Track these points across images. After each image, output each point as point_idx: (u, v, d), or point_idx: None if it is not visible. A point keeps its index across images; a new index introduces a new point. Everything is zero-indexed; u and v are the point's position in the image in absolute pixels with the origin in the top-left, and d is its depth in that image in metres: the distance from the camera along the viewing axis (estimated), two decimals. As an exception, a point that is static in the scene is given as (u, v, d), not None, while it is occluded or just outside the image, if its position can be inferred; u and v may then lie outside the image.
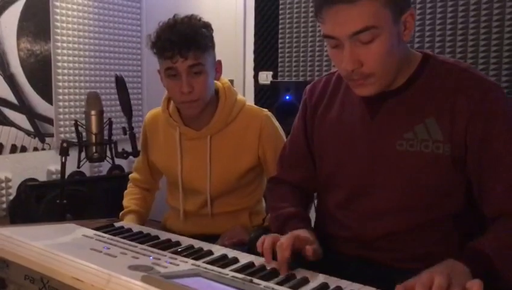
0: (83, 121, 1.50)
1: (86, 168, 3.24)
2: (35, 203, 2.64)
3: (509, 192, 1.05)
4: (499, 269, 0.97)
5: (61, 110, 3.31)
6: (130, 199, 1.74)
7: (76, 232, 1.21)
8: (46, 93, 3.23)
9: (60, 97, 3.29)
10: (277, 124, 1.64)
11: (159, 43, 1.46)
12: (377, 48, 1.06)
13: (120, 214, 1.70)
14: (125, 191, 1.78)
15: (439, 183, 1.12)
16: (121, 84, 1.47)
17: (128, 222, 1.59)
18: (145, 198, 1.77)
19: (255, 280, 0.95)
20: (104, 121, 1.48)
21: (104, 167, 3.49)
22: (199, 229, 1.58)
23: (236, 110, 1.59)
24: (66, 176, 3.22)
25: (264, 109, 1.64)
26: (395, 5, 1.06)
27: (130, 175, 1.82)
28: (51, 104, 3.26)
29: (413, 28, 1.13)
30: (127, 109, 1.47)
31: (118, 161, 1.58)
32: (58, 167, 3.24)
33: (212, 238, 1.43)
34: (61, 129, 3.32)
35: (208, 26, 1.51)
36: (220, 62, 1.58)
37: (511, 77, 2.34)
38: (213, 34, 1.53)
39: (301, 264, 1.07)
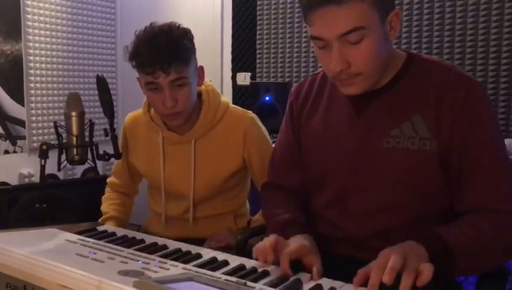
0: (62, 123, 1.45)
1: (60, 171, 3.15)
2: (7, 208, 2.55)
3: (482, 189, 1.08)
4: (457, 260, 0.99)
5: (33, 111, 3.21)
6: (108, 204, 1.69)
7: (59, 237, 1.17)
8: (18, 95, 3.13)
9: (33, 98, 3.20)
10: (262, 126, 1.62)
11: (138, 58, 1.39)
12: (365, 48, 1.07)
13: (99, 220, 1.65)
14: (103, 196, 1.74)
15: (426, 180, 1.13)
16: (102, 84, 1.43)
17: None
18: (124, 203, 1.73)
19: (249, 283, 0.93)
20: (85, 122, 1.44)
21: (78, 170, 3.40)
22: (182, 235, 1.54)
23: (220, 112, 1.57)
24: (39, 180, 3.18)
25: (248, 111, 1.62)
26: (381, 6, 1.07)
27: (107, 179, 1.77)
28: (23, 105, 3.16)
29: (399, 28, 1.14)
30: (109, 110, 1.43)
31: (98, 163, 1.53)
32: (31, 171, 3.22)
33: (195, 243, 1.40)
34: (34, 132, 3.22)
35: (188, 34, 1.45)
36: (202, 68, 1.54)
37: (496, 78, 2.39)
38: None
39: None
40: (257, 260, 1.06)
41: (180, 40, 1.41)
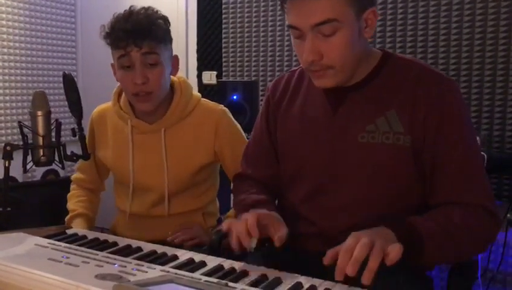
0: (26, 122, 1.40)
1: (18, 174, 3.04)
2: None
3: (454, 184, 1.11)
4: (426, 244, 1.02)
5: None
6: (75, 201, 1.65)
7: (28, 242, 1.12)
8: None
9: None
10: (233, 119, 1.61)
11: (113, 34, 1.40)
12: (338, 41, 1.09)
13: (66, 218, 1.60)
14: (69, 194, 1.69)
15: (401, 175, 1.15)
16: (69, 82, 1.38)
17: (76, 226, 1.52)
18: (91, 200, 1.68)
19: (230, 284, 0.92)
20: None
21: (38, 172, 3.29)
22: (152, 234, 1.50)
23: (192, 104, 1.56)
24: (3, 182, 3.05)
25: (219, 105, 1.62)
26: (358, 2, 1.09)
27: (72, 176, 1.72)
28: (-21, 105, 3.04)
29: (375, 26, 1.16)
30: (76, 109, 1.38)
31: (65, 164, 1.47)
32: (-11, 173, 3.09)
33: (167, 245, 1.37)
34: (-7, 132, 3.10)
35: (165, 19, 1.47)
36: (177, 57, 1.54)
37: (469, 77, 2.46)
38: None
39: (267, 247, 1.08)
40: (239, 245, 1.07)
41: (156, 20, 1.44)
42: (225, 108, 1.61)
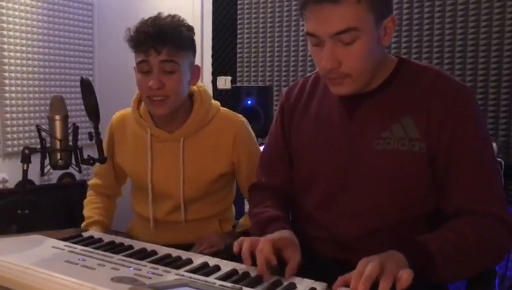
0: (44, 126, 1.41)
1: (35, 176, 3.08)
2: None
3: (467, 190, 1.09)
4: (438, 266, 1.00)
5: (8, 115, 3.13)
6: (91, 208, 1.65)
7: (45, 244, 1.14)
8: (-9, 99, 3.05)
9: (7, 102, 3.12)
10: (251, 130, 1.62)
11: (135, 36, 1.43)
12: (357, 50, 1.08)
13: (83, 225, 1.61)
14: (85, 200, 1.70)
15: (415, 181, 1.14)
16: (87, 86, 1.39)
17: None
18: (108, 207, 1.69)
19: (245, 288, 0.92)
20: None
21: (54, 175, 3.33)
22: (169, 239, 1.51)
23: (211, 113, 1.56)
24: (14, 186, 3.10)
25: (239, 115, 1.62)
26: (377, 10, 1.08)
27: (89, 182, 1.73)
28: (-4, 109, 3.08)
29: (393, 34, 1.16)
30: (94, 113, 1.39)
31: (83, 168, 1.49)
32: (5, 176, 3.13)
33: (182, 249, 1.38)
34: (8, 136, 3.15)
35: (189, 28, 1.48)
36: (198, 67, 1.54)
37: (486, 82, 2.44)
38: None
39: (281, 268, 1.05)
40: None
41: (178, 26, 1.45)
42: (244, 119, 1.61)
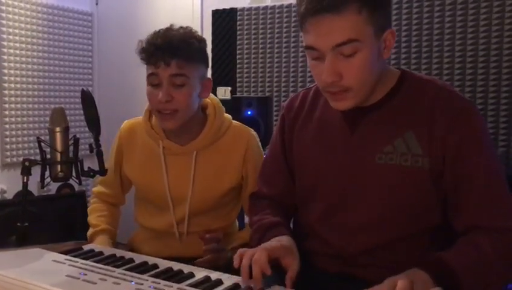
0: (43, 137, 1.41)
1: (35, 187, 3.07)
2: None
3: (479, 207, 1.08)
4: (462, 283, 0.99)
5: (7, 126, 3.13)
6: (97, 216, 1.62)
7: (46, 258, 1.13)
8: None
9: (7, 112, 3.12)
10: (260, 143, 1.61)
11: (146, 48, 1.42)
12: (358, 62, 1.07)
13: (89, 233, 1.58)
14: (90, 208, 1.67)
15: (418, 197, 1.13)
16: (87, 98, 1.39)
17: (100, 242, 1.50)
18: (113, 215, 1.67)
19: (248, 303, 0.91)
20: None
21: (53, 186, 3.31)
22: (171, 251, 1.50)
23: (224, 127, 1.55)
24: (13, 196, 3.08)
25: (250, 128, 1.61)
26: (377, 22, 1.08)
27: (93, 189, 1.70)
28: (-5, 120, 3.08)
29: (392, 47, 1.15)
30: (94, 124, 1.39)
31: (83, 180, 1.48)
32: (3, 186, 3.12)
33: (183, 262, 1.37)
34: (7, 146, 3.14)
35: (200, 40, 1.47)
36: (209, 80, 1.53)
37: (485, 93, 2.44)
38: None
39: (279, 277, 1.05)
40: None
41: (189, 38, 1.43)
42: (254, 132, 1.60)
